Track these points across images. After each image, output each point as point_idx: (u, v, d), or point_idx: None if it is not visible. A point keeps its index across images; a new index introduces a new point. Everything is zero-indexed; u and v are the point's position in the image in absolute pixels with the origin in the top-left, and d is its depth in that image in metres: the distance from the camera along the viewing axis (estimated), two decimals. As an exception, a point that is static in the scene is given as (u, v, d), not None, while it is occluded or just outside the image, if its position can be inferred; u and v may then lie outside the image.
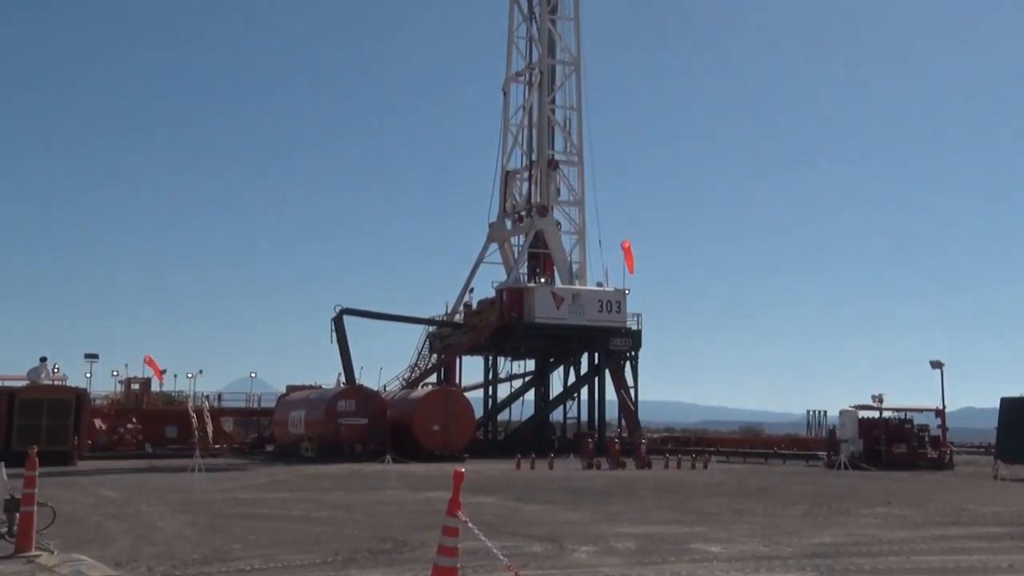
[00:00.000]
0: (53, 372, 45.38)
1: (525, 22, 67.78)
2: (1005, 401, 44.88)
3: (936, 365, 47.90)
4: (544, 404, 65.64)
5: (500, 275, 65.74)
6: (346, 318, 56.02)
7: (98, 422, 53.70)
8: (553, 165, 65.84)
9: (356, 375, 55.49)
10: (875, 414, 47.71)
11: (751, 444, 62.10)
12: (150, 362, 62.81)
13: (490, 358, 65.75)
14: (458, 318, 64.57)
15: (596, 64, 71.45)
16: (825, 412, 59.63)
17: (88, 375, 58.76)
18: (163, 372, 63.54)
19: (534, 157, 66.30)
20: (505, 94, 67.94)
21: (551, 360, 66.08)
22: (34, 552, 13.84)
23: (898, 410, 48.57)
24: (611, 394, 64.27)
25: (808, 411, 61.98)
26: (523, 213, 66.02)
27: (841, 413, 49.17)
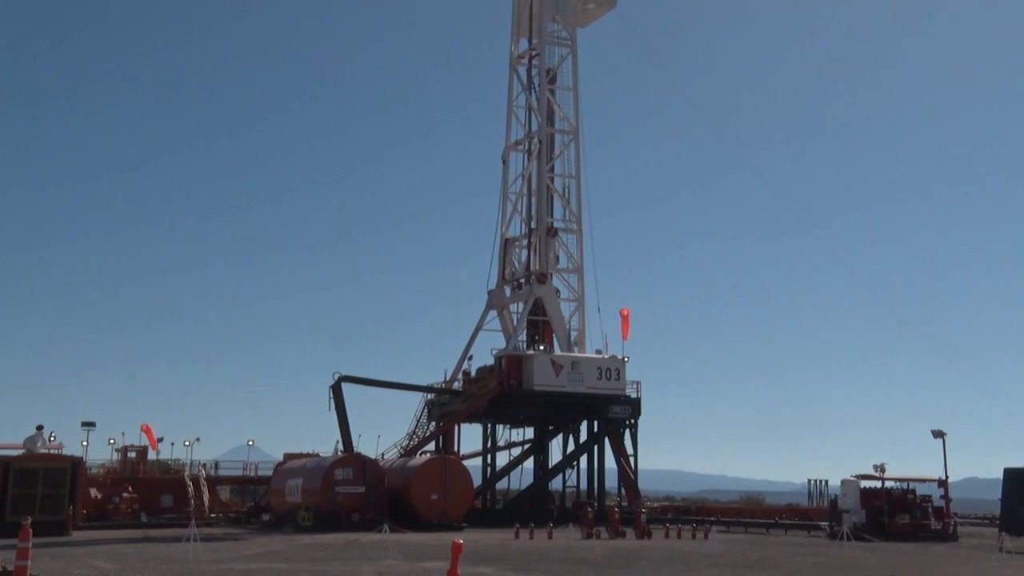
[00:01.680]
0: (49, 440, 45.08)
1: (524, 92, 68.72)
2: (1009, 472, 44.56)
3: (938, 435, 47.56)
4: (543, 472, 65.17)
5: (499, 342, 65.78)
6: (344, 385, 55.83)
7: (93, 491, 53.12)
8: (552, 233, 66.19)
9: (354, 443, 55.15)
10: (877, 484, 47.25)
11: (752, 514, 61.47)
12: (146, 430, 62.40)
13: (489, 426, 65.44)
14: (457, 385, 64.36)
15: (595, 132, 72.52)
16: (826, 481, 59.21)
17: (85, 443, 58.32)
18: (160, 440, 63.04)
19: (533, 225, 66.69)
20: (504, 162, 68.63)
21: (550, 428, 65.77)
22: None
23: (900, 480, 48.15)
24: (610, 462, 63.83)
25: (809, 480, 61.52)
26: (522, 280, 66.21)
27: (843, 483, 48.73)
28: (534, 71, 68.16)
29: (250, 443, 69.07)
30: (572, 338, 65.52)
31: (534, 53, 68.31)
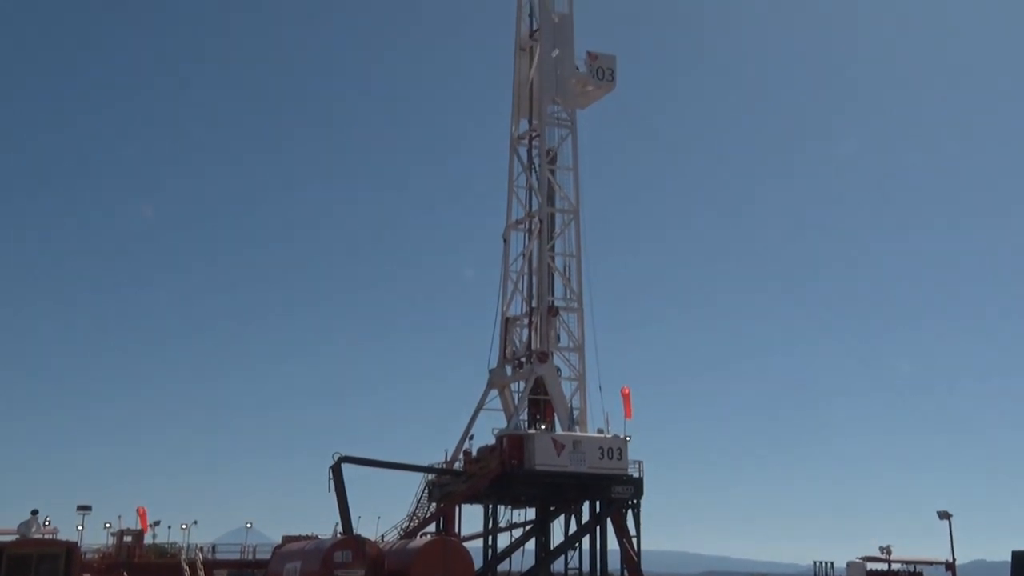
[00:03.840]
0: (44, 525, 44.62)
1: (525, 172, 69.34)
2: (1017, 555, 43.93)
3: (944, 516, 47.05)
4: (545, 554, 64.22)
5: (500, 421, 65.35)
6: (344, 466, 55.35)
7: (88, 576, 52.42)
8: (553, 312, 66.21)
9: (354, 524, 54.51)
10: (883, 566, 46.65)
11: (758, 597, 60.44)
12: (141, 514, 61.80)
13: (490, 507, 64.65)
14: (457, 465, 63.81)
15: (596, 211, 72.96)
16: (832, 563, 58.30)
17: (80, 527, 57.73)
18: (155, 524, 62.39)
19: (534, 303, 66.76)
20: (505, 241, 68.97)
21: (552, 509, 65.00)
22: None
23: (907, 562, 47.58)
24: (613, 544, 63.03)
25: (815, 562, 60.52)
26: (523, 359, 66.03)
27: (849, 565, 48.17)
28: (535, 151, 68.86)
29: (248, 525, 68.41)
30: (574, 417, 65.13)
31: (534, 134, 69.10)
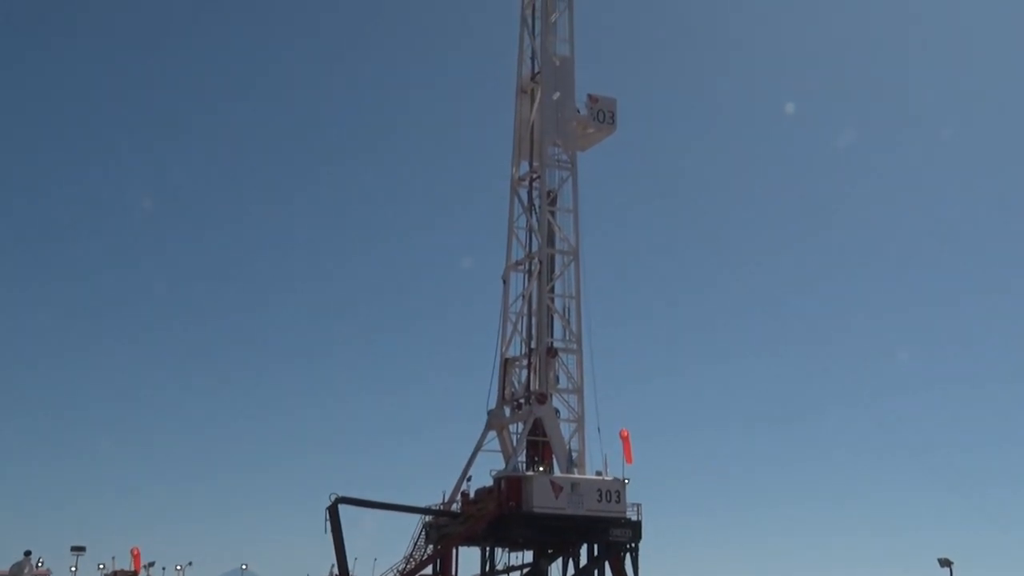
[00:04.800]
0: (37, 567, 44.32)
1: (525, 213, 69.51)
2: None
3: (945, 563, 46.72)
4: (542, 598, 63.60)
5: (498, 463, 64.99)
6: (340, 507, 55.03)
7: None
8: (552, 353, 66.06)
9: (349, 566, 54.10)
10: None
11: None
12: (135, 555, 61.39)
13: (487, 549, 64.16)
14: (455, 507, 63.41)
15: (595, 253, 72.96)
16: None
17: (73, 568, 57.34)
18: (149, 565, 61.97)
19: (533, 345, 66.64)
20: (505, 283, 68.99)
21: (549, 552, 64.43)
22: None
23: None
24: (611, 587, 62.42)
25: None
26: (522, 400, 65.83)
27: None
28: (535, 193, 69.05)
29: (244, 567, 68.01)
30: (572, 459, 64.81)
31: (535, 176, 69.33)
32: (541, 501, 59.55)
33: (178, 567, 63.00)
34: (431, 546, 61.75)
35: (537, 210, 68.48)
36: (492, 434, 66.43)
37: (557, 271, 68.25)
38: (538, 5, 70.86)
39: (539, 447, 64.38)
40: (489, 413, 66.54)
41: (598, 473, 62.90)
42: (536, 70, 70.49)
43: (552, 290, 67.73)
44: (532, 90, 70.64)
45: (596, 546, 62.01)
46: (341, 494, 55.57)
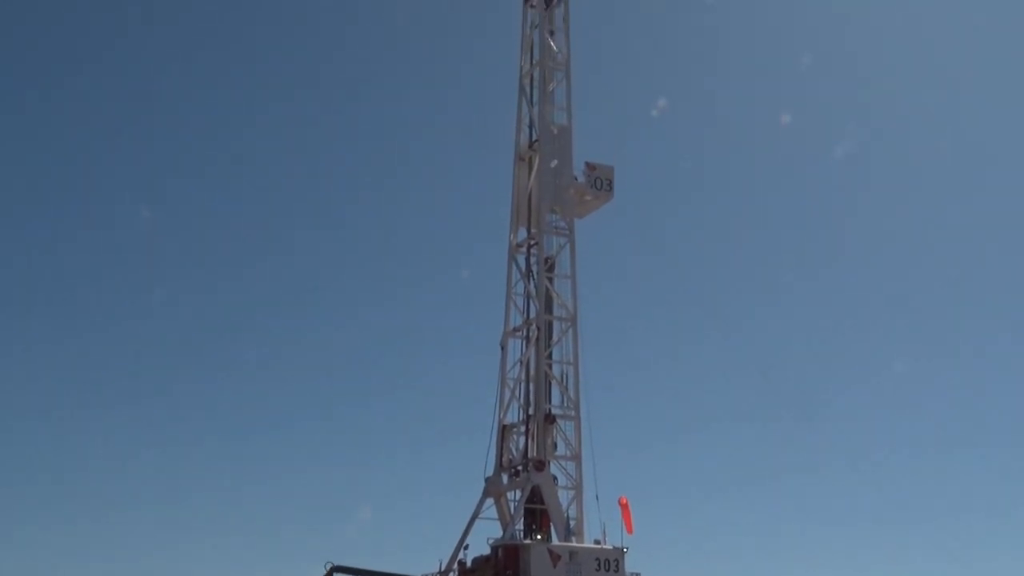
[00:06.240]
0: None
1: (523, 280, 69.76)
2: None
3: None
4: (540, 670, 62.60)
5: (496, 531, 64.39)
6: (336, 575, 54.50)
7: None
8: (550, 419, 65.85)
9: (344, 638, 53.40)
10: None
11: None
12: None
13: (484, 620, 63.33)
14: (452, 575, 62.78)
15: (593, 319, 73.26)
16: None
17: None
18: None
19: (531, 411, 66.48)
20: (503, 349, 68.97)
21: (548, 622, 63.60)
22: None
23: None
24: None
25: None
26: (520, 468, 65.48)
27: None
28: (533, 259, 69.40)
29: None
30: (570, 527, 64.26)
31: (533, 242, 69.74)
32: (539, 570, 58.90)
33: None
34: (427, 616, 60.96)
35: (535, 276, 68.78)
36: (489, 501, 65.96)
37: (555, 337, 68.31)
38: (536, 75, 71.98)
39: (537, 515, 63.85)
40: (486, 480, 66.14)
41: (596, 542, 62.33)
42: (534, 138, 71.36)
43: (550, 356, 67.71)
44: (530, 158, 71.41)
45: (595, 616, 61.19)
46: (337, 563, 55.12)
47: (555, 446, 66.25)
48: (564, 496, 65.30)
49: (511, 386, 68.11)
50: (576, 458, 66.29)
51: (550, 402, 67.07)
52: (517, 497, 64.83)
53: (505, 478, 66.34)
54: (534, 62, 72.30)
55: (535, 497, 63.79)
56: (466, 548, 64.09)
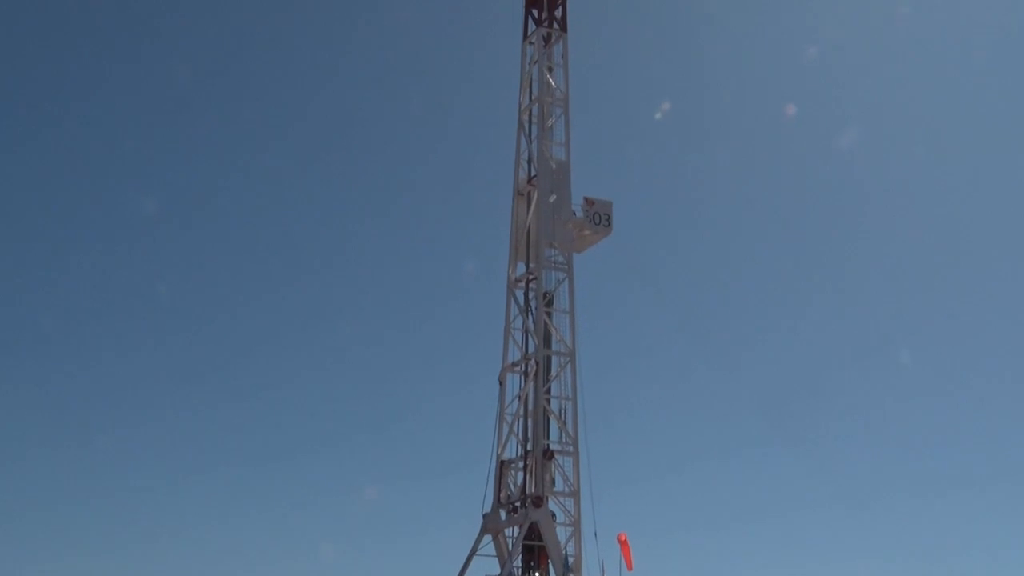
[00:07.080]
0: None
1: (521, 315, 69.54)
2: None
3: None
4: None
5: (493, 567, 63.86)
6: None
7: None
8: (548, 455, 65.41)
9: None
10: None
11: None
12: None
13: (482, 658, 62.70)
14: (449, 614, 62.15)
15: (592, 354, 73.02)
16: None
17: None
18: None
19: (529, 447, 66.09)
20: (501, 384, 68.67)
21: (546, 661, 63.01)
22: None
23: None
24: None
25: None
26: (518, 504, 64.99)
27: None
28: (531, 294, 69.30)
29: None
30: (569, 564, 63.67)
31: (531, 277, 69.65)
32: (537, 608, 58.34)
33: None
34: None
35: (534, 311, 68.62)
36: (487, 538, 65.43)
37: (553, 372, 68.00)
38: (535, 111, 72.22)
39: (535, 552, 63.29)
40: (484, 516, 65.63)
41: (594, 579, 61.81)
42: (533, 174, 71.45)
43: (548, 391, 67.35)
44: (529, 193, 71.46)
45: (593, 655, 60.59)
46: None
47: (553, 482, 65.75)
48: (562, 533, 64.70)
49: (509, 421, 67.68)
50: (575, 494, 65.76)
51: (548, 438, 66.61)
52: (515, 533, 64.35)
53: (503, 514, 65.79)
54: (533, 98, 72.59)
55: (533, 534, 63.24)
56: (464, 585, 63.61)
